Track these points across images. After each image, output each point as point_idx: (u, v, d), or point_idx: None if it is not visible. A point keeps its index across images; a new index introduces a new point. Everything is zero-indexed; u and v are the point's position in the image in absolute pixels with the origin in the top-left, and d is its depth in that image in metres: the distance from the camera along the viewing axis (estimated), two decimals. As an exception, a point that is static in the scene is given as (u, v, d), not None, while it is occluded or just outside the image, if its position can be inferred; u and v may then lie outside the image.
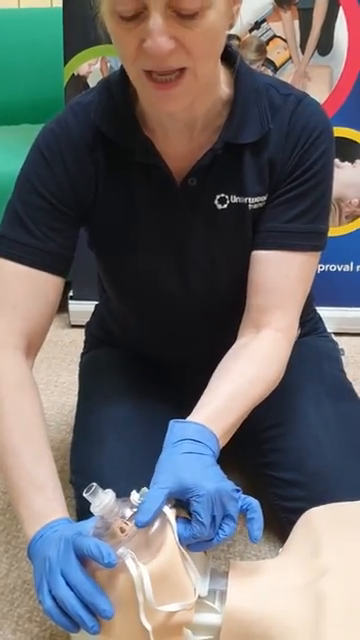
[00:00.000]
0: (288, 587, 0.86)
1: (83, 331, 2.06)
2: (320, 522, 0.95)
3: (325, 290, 1.89)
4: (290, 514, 1.09)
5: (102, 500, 0.81)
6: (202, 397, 0.98)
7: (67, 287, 1.96)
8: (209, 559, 0.90)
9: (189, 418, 0.95)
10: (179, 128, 0.99)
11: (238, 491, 0.89)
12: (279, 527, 1.14)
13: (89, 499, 0.81)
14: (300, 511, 1.02)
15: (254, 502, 0.89)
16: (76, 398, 1.66)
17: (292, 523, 1.03)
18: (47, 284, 1.04)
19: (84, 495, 0.81)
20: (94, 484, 0.81)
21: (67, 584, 0.81)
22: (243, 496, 0.89)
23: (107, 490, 0.82)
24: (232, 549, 1.16)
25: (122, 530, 0.83)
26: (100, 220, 1.06)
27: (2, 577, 1.13)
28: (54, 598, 0.82)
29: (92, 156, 1.02)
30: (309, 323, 1.28)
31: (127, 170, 1.02)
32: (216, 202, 1.03)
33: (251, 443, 1.15)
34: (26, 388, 1.01)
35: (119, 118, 1.00)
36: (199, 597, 0.84)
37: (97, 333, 1.36)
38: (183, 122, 0.98)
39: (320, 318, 1.34)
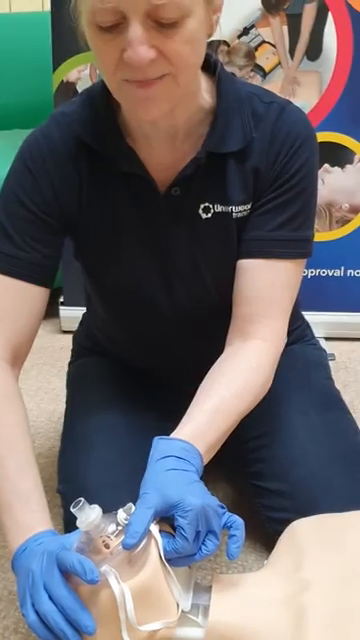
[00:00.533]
0: (270, 601, 0.86)
1: (72, 338, 2.05)
2: (304, 535, 0.95)
3: (315, 295, 1.90)
4: (275, 524, 1.09)
5: (88, 516, 0.81)
6: (187, 412, 0.98)
7: (58, 293, 1.96)
8: (193, 573, 0.90)
9: (173, 434, 0.95)
10: (161, 137, 0.99)
11: (223, 507, 0.89)
12: (265, 537, 1.14)
13: (76, 514, 0.81)
14: (285, 521, 1.02)
15: (238, 520, 0.89)
16: (65, 405, 1.67)
17: (278, 533, 1.03)
18: (32, 295, 1.04)
19: (71, 510, 0.81)
20: (82, 499, 0.81)
21: (50, 599, 0.81)
22: (228, 513, 0.89)
23: (94, 505, 0.82)
24: (218, 559, 1.16)
25: (106, 546, 0.83)
26: (84, 230, 1.06)
27: (-12, 588, 1.13)
28: (37, 612, 0.82)
29: (76, 166, 1.02)
30: (296, 331, 1.28)
31: (110, 180, 1.02)
32: (200, 211, 1.03)
33: (236, 453, 1.15)
34: (11, 399, 1.01)
35: (102, 128, 1.00)
36: (182, 612, 0.84)
37: (84, 342, 1.36)
38: (165, 131, 0.98)
39: (308, 325, 1.34)
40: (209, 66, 1.00)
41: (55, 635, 0.82)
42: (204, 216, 1.03)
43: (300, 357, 1.24)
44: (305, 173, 1.01)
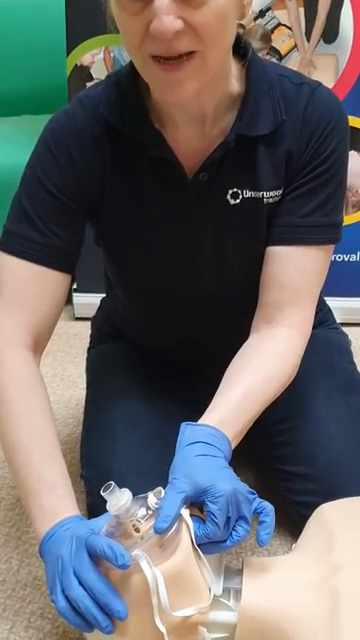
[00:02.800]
0: (303, 583, 0.85)
1: (88, 324, 2.05)
2: (333, 517, 0.94)
3: (331, 280, 1.86)
4: (301, 508, 1.09)
5: (119, 500, 0.81)
6: (214, 398, 0.97)
7: (71, 279, 1.95)
8: (223, 556, 0.90)
9: (201, 420, 0.94)
10: (190, 121, 0.97)
11: (253, 494, 0.88)
12: (290, 521, 1.14)
13: (106, 497, 0.81)
14: (312, 505, 1.01)
15: (269, 507, 0.88)
16: (82, 391, 1.66)
17: (303, 517, 1.02)
18: (54, 281, 1.03)
19: (101, 493, 0.80)
20: (112, 483, 0.80)
21: (80, 584, 0.81)
22: (258, 499, 0.88)
23: (124, 489, 0.82)
24: (243, 543, 1.16)
25: (137, 530, 0.82)
26: (107, 215, 1.05)
27: (13, 573, 1.13)
28: (67, 598, 0.81)
29: (100, 150, 1.01)
30: (319, 315, 1.26)
31: (136, 165, 1.01)
32: (228, 197, 1.02)
33: (261, 437, 1.13)
34: (35, 387, 1.00)
35: (129, 111, 0.99)
36: (214, 596, 0.84)
37: (103, 328, 1.35)
38: (193, 115, 0.97)
39: (329, 309, 1.33)
40: (239, 51, 0.98)
41: (86, 621, 0.81)
42: (232, 202, 1.02)
43: (323, 341, 1.23)
44: (337, 157, 1.00)
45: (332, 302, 1.39)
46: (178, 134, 0.99)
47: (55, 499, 0.91)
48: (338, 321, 1.36)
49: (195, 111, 0.96)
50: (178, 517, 0.83)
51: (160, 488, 0.86)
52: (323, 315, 1.29)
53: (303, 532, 0.96)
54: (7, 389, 0.98)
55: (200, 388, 1.07)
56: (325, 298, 1.34)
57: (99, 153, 1.01)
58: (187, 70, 0.86)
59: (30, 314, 1.01)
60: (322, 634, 0.80)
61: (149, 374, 1.22)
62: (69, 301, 2.05)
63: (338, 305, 1.76)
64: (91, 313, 1.43)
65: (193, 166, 1.00)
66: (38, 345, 1.04)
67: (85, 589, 0.80)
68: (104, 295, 1.39)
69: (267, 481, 1.22)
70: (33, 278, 1.01)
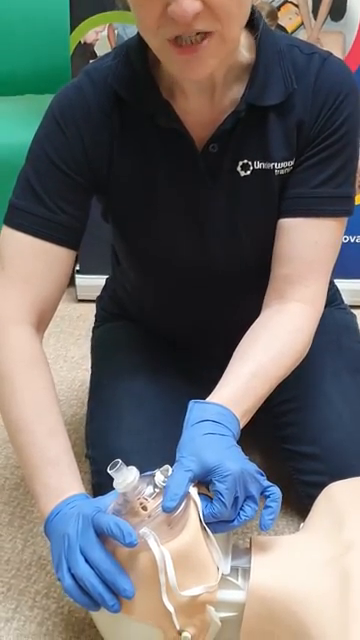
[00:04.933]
0: (312, 563, 0.84)
1: (90, 305, 2.03)
2: (342, 496, 0.93)
3: (336, 262, 1.86)
4: (309, 488, 1.08)
5: (126, 477, 0.79)
6: (223, 375, 0.96)
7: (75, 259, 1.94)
8: (230, 535, 0.89)
9: (209, 398, 0.93)
10: (199, 92, 0.96)
11: (262, 474, 0.87)
12: (297, 501, 1.13)
13: (113, 475, 0.80)
14: (319, 485, 1.00)
15: (277, 492, 0.87)
16: (86, 372, 1.65)
17: (311, 497, 1.02)
18: (59, 258, 1.01)
19: (108, 471, 0.79)
20: (119, 460, 0.79)
21: (87, 562, 0.80)
22: (267, 482, 0.87)
23: (131, 467, 0.81)
24: (249, 523, 1.14)
25: (144, 508, 0.81)
26: (116, 189, 1.03)
27: (17, 553, 1.12)
28: (74, 576, 0.81)
29: (108, 123, 0.99)
30: (328, 294, 1.24)
31: (145, 137, 0.99)
32: (239, 169, 1.00)
33: (268, 417, 1.13)
34: (38, 364, 0.99)
35: (138, 82, 0.97)
36: (222, 575, 0.83)
37: (109, 307, 1.33)
38: (202, 86, 0.95)
39: (338, 289, 1.32)
40: (250, 22, 0.96)
41: (92, 599, 0.80)
42: (243, 174, 1.00)
43: (330, 321, 1.21)
44: (349, 127, 0.98)
45: (337, 284, 1.38)
46: (187, 105, 0.97)
47: (60, 477, 0.90)
48: (344, 303, 1.35)
49: (206, 82, 0.94)
50: (186, 495, 0.82)
51: (167, 466, 0.85)
52: (332, 295, 1.28)
53: (311, 511, 0.95)
54: (10, 366, 0.97)
55: (208, 367, 1.05)
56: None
57: (107, 126, 0.99)
58: (205, 51, 0.85)
59: (34, 290, 1.00)
60: (332, 613, 0.79)
61: (155, 353, 1.21)
62: (72, 283, 2.03)
63: (343, 287, 1.75)
64: (94, 295, 1.42)
65: (203, 138, 0.98)
66: (41, 322, 1.03)
67: (92, 567, 0.80)
68: (107, 277, 1.38)
69: (273, 461, 1.21)
70: (37, 254, 0.99)
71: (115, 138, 1.00)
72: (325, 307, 1.23)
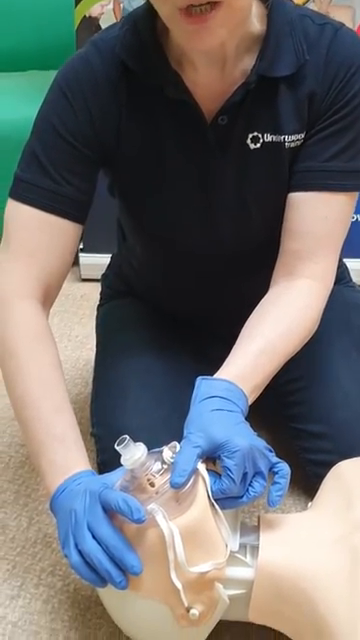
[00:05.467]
0: (321, 541, 0.83)
1: (94, 285, 2.02)
2: (351, 475, 0.92)
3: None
4: (316, 467, 1.08)
5: (134, 454, 0.78)
6: (232, 352, 0.94)
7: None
8: (239, 512, 0.88)
9: (217, 374, 0.91)
10: (209, 63, 0.94)
11: (271, 451, 0.86)
12: (304, 480, 1.12)
13: (120, 451, 0.78)
14: (327, 464, 0.99)
15: (286, 468, 0.86)
16: (90, 352, 1.65)
17: (318, 476, 1.00)
18: (65, 231, 0.99)
19: (115, 447, 0.78)
20: (126, 437, 0.78)
21: (94, 538, 0.79)
22: (276, 459, 0.86)
23: (139, 443, 0.80)
24: (256, 501, 1.14)
25: (151, 484, 0.80)
26: (123, 162, 1.01)
27: (23, 531, 1.11)
28: (80, 553, 0.80)
29: (116, 95, 0.97)
30: (336, 272, 1.23)
31: (153, 109, 0.97)
32: (248, 142, 0.98)
33: (275, 395, 1.11)
34: (44, 340, 0.97)
35: (146, 52, 0.95)
36: (230, 551, 0.82)
37: (114, 284, 1.32)
38: (213, 57, 0.93)
39: (347, 267, 1.30)
40: None
41: (99, 576, 0.79)
42: (252, 147, 0.98)
43: (339, 299, 1.19)
44: None
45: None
46: (197, 76, 0.95)
47: (66, 453, 0.89)
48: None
49: (216, 53, 0.92)
50: (194, 472, 0.81)
51: (175, 443, 0.84)
52: (340, 273, 1.26)
53: (320, 490, 0.94)
54: (16, 342, 0.95)
55: (214, 346, 1.04)
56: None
57: (115, 98, 0.97)
58: (215, 20, 0.83)
59: (39, 265, 0.98)
60: (341, 592, 0.78)
61: (161, 331, 1.20)
62: (75, 262, 2.01)
63: (351, 267, 1.73)
64: (98, 274, 1.40)
65: (212, 110, 0.96)
66: (47, 298, 1.01)
67: (99, 544, 0.79)
68: (111, 255, 1.36)
69: (280, 440, 1.20)
70: (43, 227, 0.98)
71: (123, 109, 0.98)
72: (334, 285, 1.22)
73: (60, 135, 0.96)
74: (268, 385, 0.96)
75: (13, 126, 1.84)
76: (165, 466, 0.82)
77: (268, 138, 0.98)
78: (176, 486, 0.79)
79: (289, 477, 0.86)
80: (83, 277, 2.04)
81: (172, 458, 0.81)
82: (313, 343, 1.02)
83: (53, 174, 0.97)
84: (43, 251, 0.99)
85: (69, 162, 0.97)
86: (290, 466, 0.87)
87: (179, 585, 0.79)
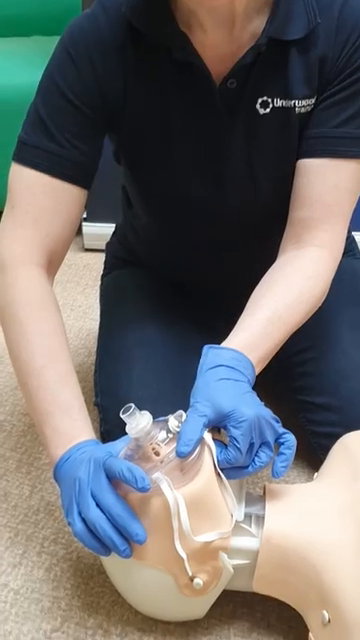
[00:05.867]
0: (327, 511, 0.83)
1: (98, 255, 2.01)
2: (358, 446, 0.91)
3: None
4: (322, 439, 1.07)
5: (139, 422, 0.78)
6: (239, 321, 0.93)
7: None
8: (244, 483, 0.87)
9: (224, 343, 0.90)
10: (218, 25, 0.91)
11: (277, 421, 0.85)
12: (308, 452, 1.11)
13: (126, 420, 0.77)
14: (333, 436, 0.98)
15: (292, 439, 0.85)
16: (92, 322, 1.63)
17: (323, 448, 1.00)
18: (69, 196, 0.97)
19: (121, 415, 0.77)
20: (132, 405, 0.77)
21: (98, 507, 0.78)
22: (283, 429, 0.85)
23: (144, 412, 0.79)
24: (260, 472, 1.13)
25: (156, 453, 0.80)
26: (129, 126, 0.99)
27: (25, 499, 1.11)
28: (84, 521, 0.79)
29: (122, 56, 0.94)
30: (345, 243, 1.22)
31: (160, 71, 0.95)
32: (258, 106, 0.96)
33: (281, 367, 1.10)
34: (49, 306, 0.96)
35: (154, 12, 0.92)
36: (235, 521, 0.81)
37: (119, 253, 1.30)
38: (222, 18, 0.90)
39: (354, 239, 1.28)
40: None
41: (103, 544, 0.79)
42: (262, 111, 0.96)
43: (348, 271, 1.18)
44: None
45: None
46: (205, 39, 0.92)
47: (71, 422, 0.88)
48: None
49: (225, 13, 0.89)
50: (200, 441, 0.80)
51: (181, 412, 0.83)
52: (348, 244, 1.24)
53: (326, 461, 0.93)
54: (20, 309, 0.94)
55: (220, 317, 1.03)
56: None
57: (121, 59, 0.94)
58: None
59: (43, 230, 0.96)
60: (347, 562, 0.78)
61: (166, 301, 1.18)
62: (78, 232, 2.00)
63: (358, 240, 1.71)
64: (101, 244, 1.38)
65: (221, 73, 0.94)
66: (51, 264, 0.99)
67: (103, 512, 0.78)
68: (115, 225, 1.34)
69: (284, 412, 1.18)
70: (47, 191, 0.96)
71: (129, 71, 0.95)
72: (342, 256, 1.20)
73: (64, 96, 0.94)
74: (274, 357, 0.95)
75: (16, 91, 1.81)
76: (170, 435, 0.81)
77: (278, 103, 0.96)
78: (182, 455, 0.78)
79: (295, 448, 0.85)
80: (86, 247, 2.03)
81: (178, 427, 0.81)
82: (321, 315, 1.01)
83: (58, 137, 0.95)
84: (48, 216, 0.97)
85: (74, 124, 0.95)
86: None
87: (183, 554, 0.78)
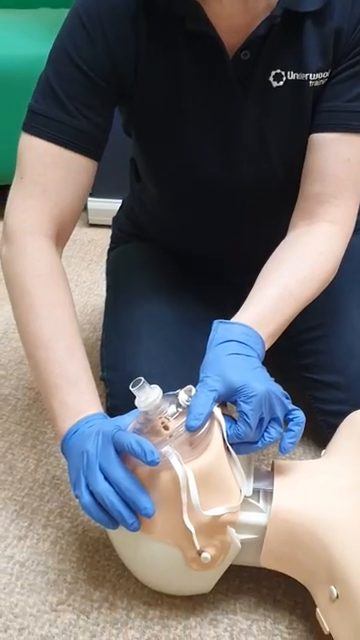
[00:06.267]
0: (336, 487, 0.82)
1: (103, 230, 1.99)
2: (367, 424, 0.91)
3: None
4: (329, 417, 1.06)
5: (148, 396, 0.77)
6: (249, 296, 0.92)
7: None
8: (252, 458, 0.87)
9: (234, 319, 0.89)
10: None
11: (287, 397, 0.85)
12: (315, 430, 1.11)
13: (135, 393, 0.77)
14: (341, 414, 0.97)
15: (301, 416, 0.84)
16: (98, 297, 1.63)
17: (331, 426, 1.00)
18: (79, 167, 0.96)
19: (130, 389, 0.77)
20: (141, 378, 0.77)
21: (106, 480, 0.78)
22: (292, 405, 0.85)
23: (154, 385, 0.78)
24: (266, 450, 1.13)
25: (165, 427, 0.79)
26: (141, 97, 0.98)
27: (30, 472, 1.11)
28: (92, 494, 0.79)
29: (135, 26, 0.92)
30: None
31: (173, 41, 0.93)
32: (271, 79, 0.94)
33: (289, 345, 1.09)
34: (58, 279, 0.95)
35: None
36: (244, 496, 0.81)
37: (126, 227, 1.29)
38: None
39: (364, 217, 1.27)
40: None
41: (110, 517, 0.79)
42: (275, 84, 0.95)
43: (358, 248, 1.17)
44: None
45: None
46: (220, 9, 0.90)
47: (78, 395, 0.88)
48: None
49: None
50: (210, 415, 0.79)
51: (191, 386, 0.82)
52: (358, 221, 1.23)
53: (334, 438, 0.93)
54: (29, 280, 0.93)
55: (229, 292, 1.02)
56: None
57: (134, 29, 0.93)
58: None
59: (52, 201, 0.95)
60: (355, 538, 0.78)
61: (174, 276, 1.17)
62: (83, 207, 1.98)
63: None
64: (106, 220, 1.37)
65: (234, 44, 0.92)
66: (60, 236, 0.98)
67: (111, 485, 0.77)
68: (120, 201, 1.32)
69: (291, 389, 1.18)
70: (57, 162, 0.94)
71: (142, 43, 0.93)
72: (352, 234, 1.19)
73: (75, 65, 0.92)
74: (282, 334, 0.94)
75: (22, 63, 1.79)
76: (180, 409, 0.80)
77: (292, 76, 0.94)
78: (191, 429, 0.77)
79: (303, 425, 0.85)
80: (91, 222, 2.02)
81: (188, 401, 0.80)
82: (331, 292, 1.00)
83: (68, 106, 0.93)
84: (56, 187, 0.95)
85: (84, 93, 0.93)
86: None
87: (192, 528, 0.78)
